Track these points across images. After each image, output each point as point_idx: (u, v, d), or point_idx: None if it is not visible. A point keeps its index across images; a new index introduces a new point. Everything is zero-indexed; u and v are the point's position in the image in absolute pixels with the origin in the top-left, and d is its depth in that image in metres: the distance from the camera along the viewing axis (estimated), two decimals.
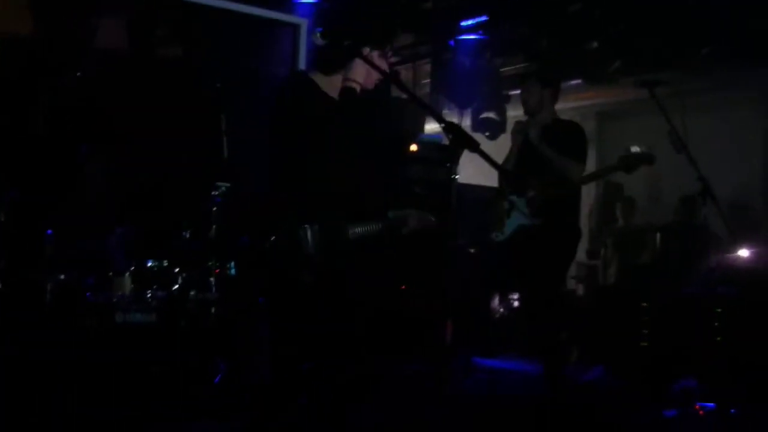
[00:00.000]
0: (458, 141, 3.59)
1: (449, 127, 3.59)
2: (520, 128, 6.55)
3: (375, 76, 3.93)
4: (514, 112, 7.90)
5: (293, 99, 3.83)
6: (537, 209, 6.20)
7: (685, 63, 9.48)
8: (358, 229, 3.89)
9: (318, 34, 3.86)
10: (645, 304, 7.86)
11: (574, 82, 10.55)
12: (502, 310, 9.05)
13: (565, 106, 11.22)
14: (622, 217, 10.39)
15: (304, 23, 5.34)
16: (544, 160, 6.24)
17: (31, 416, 5.16)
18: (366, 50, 3.85)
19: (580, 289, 10.83)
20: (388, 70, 3.99)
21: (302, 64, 5.22)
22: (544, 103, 6.53)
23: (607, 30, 9.27)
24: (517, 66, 10.31)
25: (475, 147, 3.52)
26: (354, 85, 3.85)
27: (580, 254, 11.24)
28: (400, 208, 4.11)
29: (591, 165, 12.05)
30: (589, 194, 12.03)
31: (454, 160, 3.69)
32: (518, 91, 10.26)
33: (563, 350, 6.12)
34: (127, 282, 6.22)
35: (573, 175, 6.27)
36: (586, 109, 11.58)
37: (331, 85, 3.91)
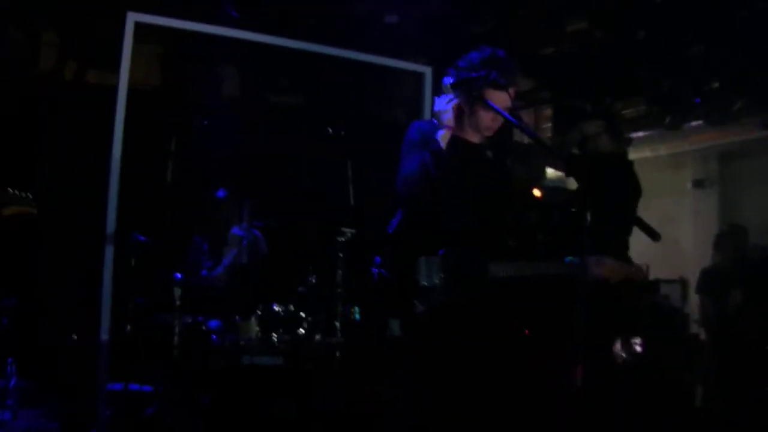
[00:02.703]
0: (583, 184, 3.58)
1: (573, 172, 3.59)
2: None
3: (499, 121, 3.94)
4: (636, 155, 7.84)
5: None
6: None
7: None
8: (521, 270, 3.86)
9: (449, 86, 3.90)
10: None
11: (695, 123, 10.42)
12: (624, 354, 8.89)
13: (686, 148, 11.12)
14: (731, 251, 10.03)
15: (428, 71, 5.39)
16: None
17: None
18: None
19: (703, 333, 10.58)
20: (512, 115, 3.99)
21: (427, 112, 5.29)
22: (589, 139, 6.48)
23: (728, 70, 9.15)
24: (638, 108, 10.22)
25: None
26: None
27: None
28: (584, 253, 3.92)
29: (712, 207, 11.98)
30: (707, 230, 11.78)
31: (580, 205, 3.67)
32: (640, 133, 10.29)
33: None
34: (253, 325, 6.34)
35: None
36: (707, 150, 11.38)
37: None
